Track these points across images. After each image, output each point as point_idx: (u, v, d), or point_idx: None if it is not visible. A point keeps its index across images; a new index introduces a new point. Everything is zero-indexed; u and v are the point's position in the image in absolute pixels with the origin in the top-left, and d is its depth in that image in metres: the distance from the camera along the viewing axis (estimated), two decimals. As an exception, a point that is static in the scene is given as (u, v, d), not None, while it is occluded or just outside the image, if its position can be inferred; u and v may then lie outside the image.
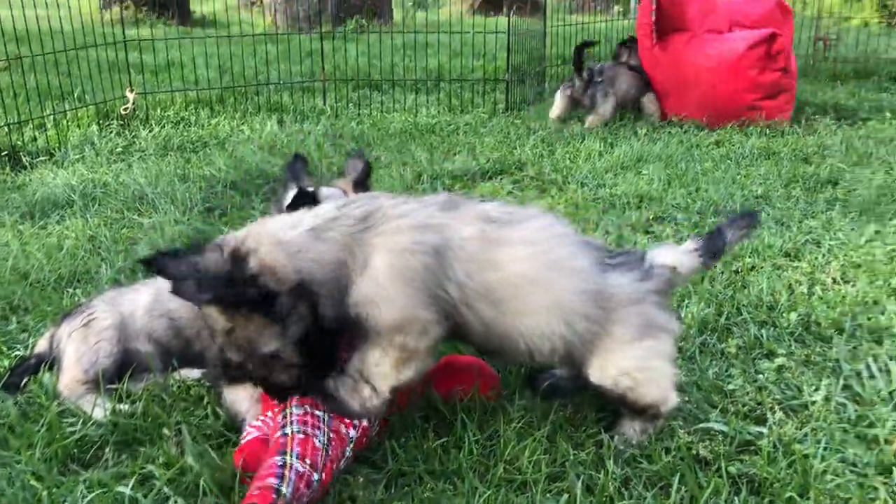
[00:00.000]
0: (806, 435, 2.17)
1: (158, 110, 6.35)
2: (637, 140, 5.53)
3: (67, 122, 5.85)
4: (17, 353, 2.69)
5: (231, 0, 12.74)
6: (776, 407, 2.32)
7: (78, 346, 2.41)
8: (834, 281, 3.18)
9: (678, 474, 2.00)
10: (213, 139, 5.60)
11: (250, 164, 4.76)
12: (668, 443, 2.14)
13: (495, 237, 1.97)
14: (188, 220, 3.91)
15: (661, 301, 2.11)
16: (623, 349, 2.05)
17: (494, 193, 4.40)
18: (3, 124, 5.28)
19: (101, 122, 5.89)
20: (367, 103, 6.92)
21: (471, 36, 8.48)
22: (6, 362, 2.62)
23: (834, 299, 2.98)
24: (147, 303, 2.48)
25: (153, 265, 1.82)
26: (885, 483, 1.98)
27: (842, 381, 2.44)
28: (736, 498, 1.94)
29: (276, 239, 1.89)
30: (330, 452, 1.91)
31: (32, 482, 1.98)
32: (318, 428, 1.93)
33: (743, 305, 2.94)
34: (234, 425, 2.19)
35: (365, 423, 2.05)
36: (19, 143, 5.30)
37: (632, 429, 2.15)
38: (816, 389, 2.39)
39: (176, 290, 1.82)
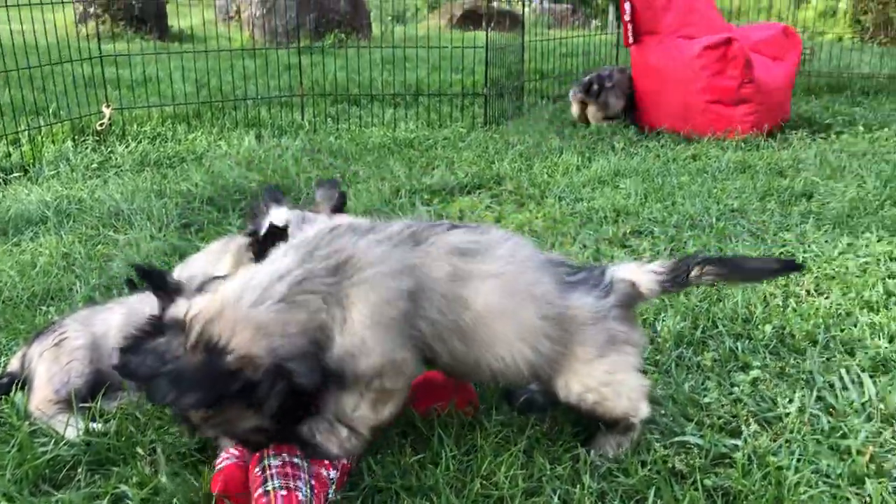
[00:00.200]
0: (780, 447, 2.19)
1: (135, 125, 6.31)
2: (614, 154, 5.58)
3: (42, 137, 5.80)
4: (-11, 372, 2.65)
5: (209, 15, 12.72)
6: (751, 419, 2.34)
7: (49, 366, 2.39)
8: (808, 293, 3.22)
9: (654, 488, 2.01)
10: (190, 154, 5.57)
11: (227, 179, 4.75)
12: (644, 456, 2.15)
13: (465, 272, 1.97)
14: (164, 236, 3.89)
15: (623, 314, 2.13)
16: (586, 367, 2.07)
17: (473, 208, 4.42)
18: (-24, 140, 5.23)
19: (76, 137, 5.85)
20: (345, 118, 6.93)
21: (449, 50, 8.52)
22: (-23, 382, 2.58)
23: (808, 311, 3.01)
24: (120, 322, 2.45)
25: (117, 367, 1.74)
26: (857, 494, 2.00)
27: (815, 393, 2.46)
28: (711, 511, 1.95)
29: (251, 322, 1.79)
30: (314, 502, 1.88)
31: (3, 503, 1.95)
32: (300, 478, 1.87)
33: (719, 318, 2.96)
34: (211, 444, 2.17)
35: (345, 460, 2.02)
36: (-7, 158, 5.25)
37: (608, 443, 2.16)
38: (790, 401, 2.41)
39: (151, 395, 1.72)
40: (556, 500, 1.96)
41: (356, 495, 2.02)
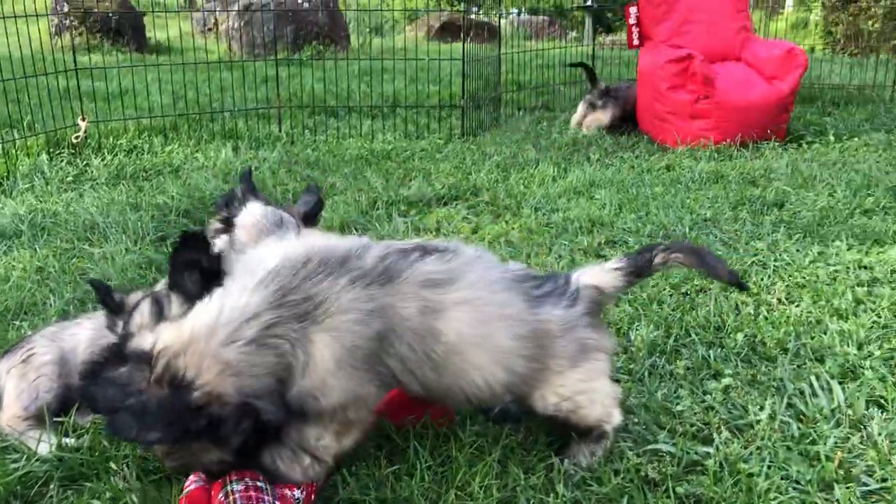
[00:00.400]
0: (751, 454, 2.22)
1: (111, 138, 6.27)
2: (590, 165, 5.63)
3: (17, 150, 5.75)
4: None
5: (187, 27, 12.68)
6: (722, 427, 2.36)
7: (17, 383, 2.37)
8: (779, 301, 3.26)
9: (627, 496, 2.03)
10: (166, 167, 5.55)
11: (204, 192, 4.73)
12: (618, 464, 2.17)
13: (437, 303, 1.94)
14: (140, 249, 3.87)
15: (592, 321, 2.16)
16: (560, 378, 2.10)
17: (449, 219, 4.43)
18: (-51, 153, 5.18)
19: (51, 150, 5.81)
20: (322, 129, 6.94)
21: (427, 62, 8.56)
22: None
23: (779, 320, 3.06)
24: (89, 337, 2.44)
25: (78, 393, 1.72)
26: (826, 499, 2.03)
27: (786, 400, 2.49)
28: (683, 518, 1.98)
29: (220, 360, 1.76)
30: None
31: (-28, 522, 1.94)
32: (263, 501, 1.84)
33: (691, 327, 2.99)
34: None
35: None
36: (-34, 172, 5.20)
37: (581, 452, 2.18)
38: (761, 408, 2.45)
39: (112, 429, 1.67)
40: (529, 509, 1.98)
41: (331, 508, 2.02)
